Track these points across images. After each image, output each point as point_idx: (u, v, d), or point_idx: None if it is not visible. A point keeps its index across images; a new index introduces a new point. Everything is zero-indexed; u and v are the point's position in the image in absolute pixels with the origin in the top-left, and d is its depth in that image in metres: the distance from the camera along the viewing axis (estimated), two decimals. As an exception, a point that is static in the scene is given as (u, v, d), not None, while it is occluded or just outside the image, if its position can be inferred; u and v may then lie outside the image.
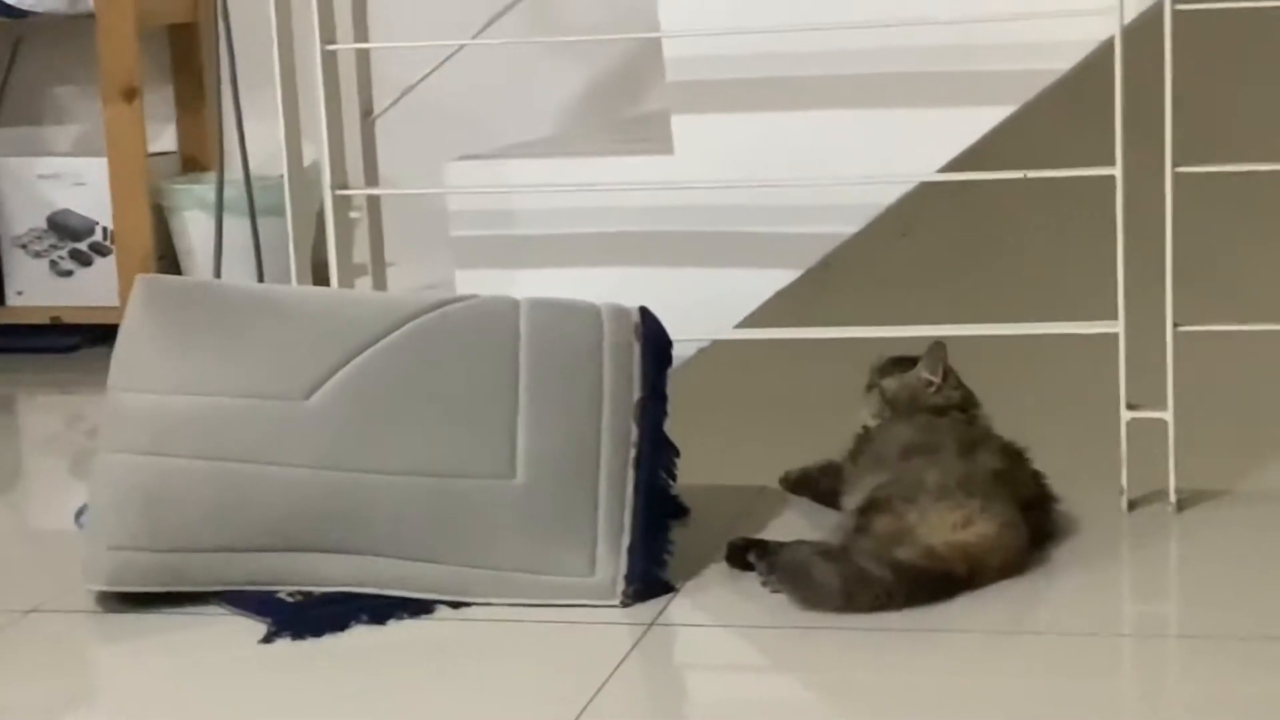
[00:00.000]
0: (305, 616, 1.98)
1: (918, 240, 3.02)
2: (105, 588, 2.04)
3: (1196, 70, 2.21)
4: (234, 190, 3.34)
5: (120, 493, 2.04)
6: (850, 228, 2.39)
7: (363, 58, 2.61)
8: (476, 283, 2.42)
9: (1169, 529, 2.21)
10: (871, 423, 2.28)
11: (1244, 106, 3.07)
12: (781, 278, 2.41)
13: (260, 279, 3.29)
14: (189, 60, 3.85)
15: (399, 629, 1.97)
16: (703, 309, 2.36)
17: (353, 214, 2.55)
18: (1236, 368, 2.54)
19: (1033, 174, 2.27)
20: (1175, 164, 2.20)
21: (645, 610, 1.99)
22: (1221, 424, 2.47)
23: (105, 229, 3.69)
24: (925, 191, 2.36)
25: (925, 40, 2.30)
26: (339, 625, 1.96)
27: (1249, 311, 2.28)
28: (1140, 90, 2.20)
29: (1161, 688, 1.84)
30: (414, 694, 1.82)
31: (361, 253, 2.62)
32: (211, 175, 3.58)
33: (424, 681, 1.85)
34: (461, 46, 2.64)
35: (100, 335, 3.53)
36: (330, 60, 2.45)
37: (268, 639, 1.94)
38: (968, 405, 2.27)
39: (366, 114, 2.62)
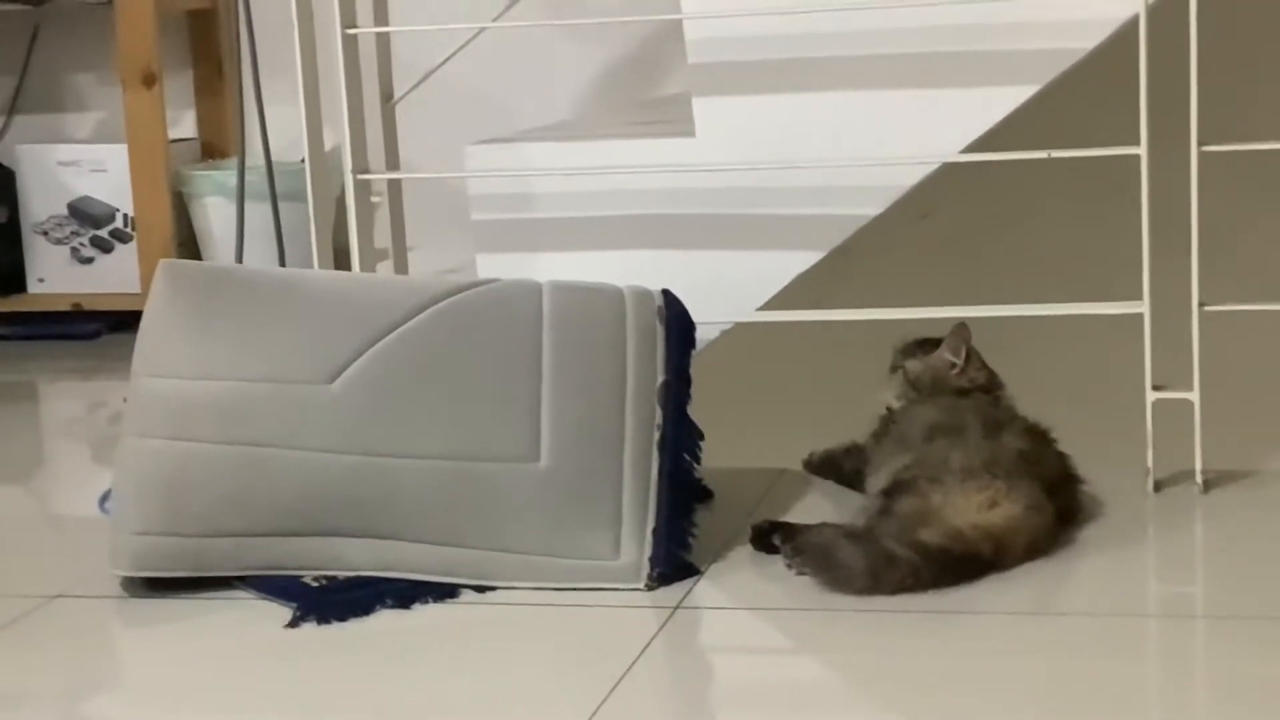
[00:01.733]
0: (330, 601, 1.97)
1: (939, 222, 3.01)
2: (130, 573, 2.05)
3: (1221, 48, 2.20)
4: (254, 176, 3.34)
5: (144, 478, 2.05)
6: (872, 209, 2.38)
7: (383, 42, 2.61)
8: (498, 266, 2.42)
9: (1195, 510, 2.21)
10: (895, 404, 2.28)
11: (1269, 84, 3.05)
12: (804, 260, 2.40)
13: (282, 264, 3.29)
14: (208, 46, 3.86)
15: (424, 613, 1.97)
16: (725, 291, 2.36)
17: (374, 198, 2.54)
18: (1263, 347, 2.53)
19: (1057, 154, 2.26)
20: (1201, 143, 2.19)
21: (670, 593, 1.99)
22: (1248, 404, 2.46)
23: (126, 215, 3.70)
24: (946, 173, 2.35)
25: (948, 20, 2.28)
26: (364, 609, 1.96)
27: (1275, 291, 2.26)
28: (1164, 69, 2.19)
29: (1188, 668, 1.83)
30: (439, 678, 1.82)
31: (383, 237, 2.62)
32: (231, 161, 3.59)
33: (449, 666, 1.85)
34: (482, 30, 2.64)
35: (121, 322, 3.54)
36: (351, 44, 2.44)
37: (293, 623, 1.94)
38: (991, 386, 2.26)
39: (387, 98, 2.62)
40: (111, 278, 3.71)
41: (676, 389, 2.08)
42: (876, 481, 2.12)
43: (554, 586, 2.00)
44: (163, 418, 2.05)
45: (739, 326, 2.41)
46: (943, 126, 2.31)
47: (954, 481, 2.01)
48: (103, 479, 2.30)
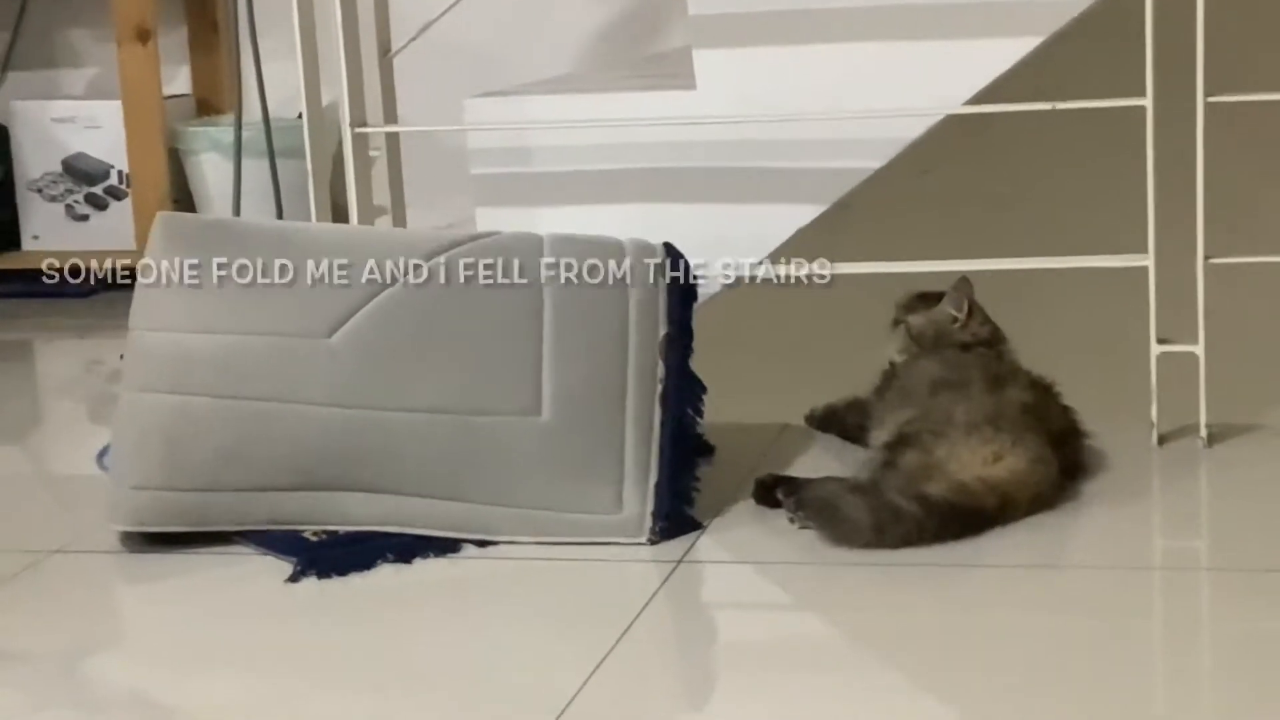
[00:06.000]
0: (331, 556, 1.97)
1: (942, 177, 3.00)
2: (129, 528, 2.04)
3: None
4: (250, 132, 3.32)
5: (142, 432, 2.03)
6: (874, 163, 2.36)
7: (381, -6, 2.58)
8: (497, 220, 2.40)
9: (1199, 463, 2.20)
10: (898, 359, 2.27)
11: (1277, 35, 3.03)
12: (805, 213, 2.38)
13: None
14: (202, 2, 3.82)
15: (425, 568, 1.96)
16: (727, 245, 2.34)
17: (372, 153, 2.52)
18: (1268, 301, 2.52)
19: (1062, 105, 2.25)
20: (1207, 94, 2.17)
21: (673, 547, 1.98)
22: (1253, 358, 2.46)
23: (120, 172, 3.67)
24: (948, 127, 2.33)
25: (951, -29, 2.27)
26: (365, 564, 1.95)
27: (1280, 244, 2.26)
28: (1171, 20, 2.17)
29: (1192, 621, 1.82)
30: (441, 632, 1.81)
31: (381, 193, 2.60)
32: (227, 118, 3.56)
33: (451, 620, 1.84)
34: (480, -18, 2.62)
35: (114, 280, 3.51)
36: (348, -4, 2.42)
37: (293, 578, 1.93)
38: (995, 341, 2.25)
39: (384, 52, 2.59)
40: (107, 235, 3.68)
41: (679, 342, 2.07)
42: (880, 435, 2.11)
43: (556, 541, 1.99)
44: (161, 372, 2.03)
45: (740, 280, 2.40)
46: (946, 79, 2.29)
47: (958, 435, 2.01)
48: (100, 436, 2.29)
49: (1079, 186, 3.08)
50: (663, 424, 2.03)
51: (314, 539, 2.01)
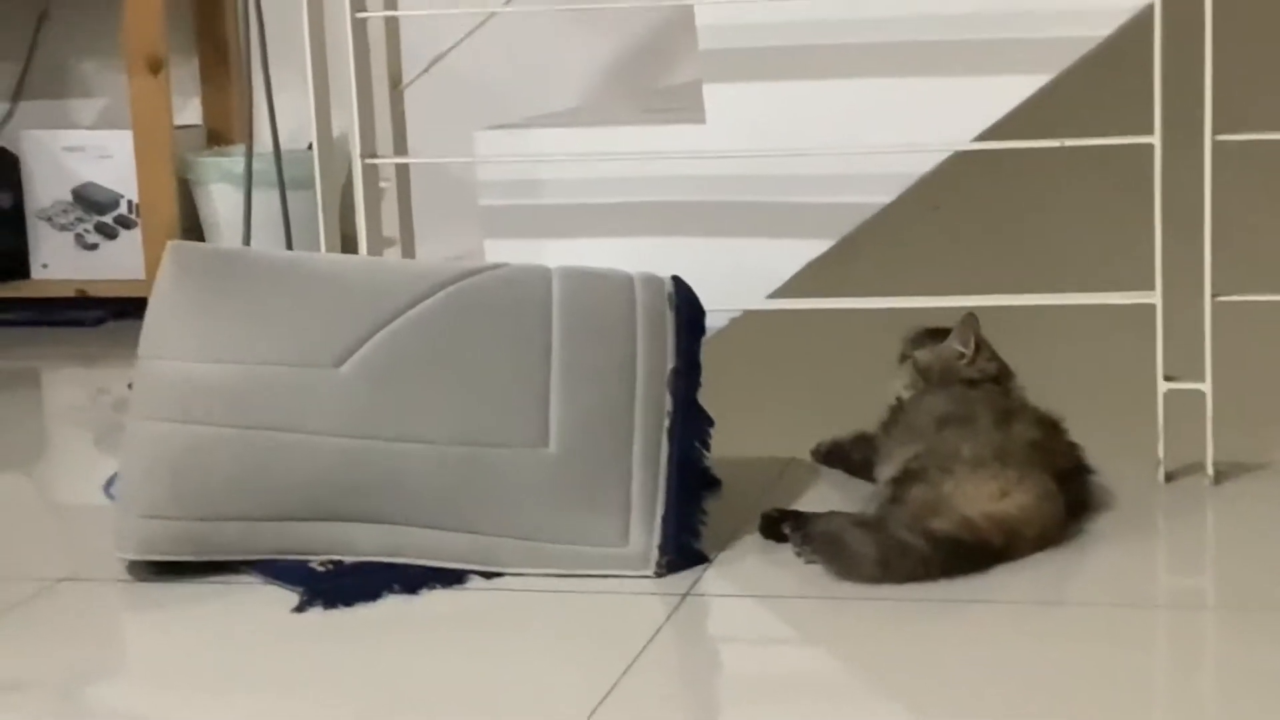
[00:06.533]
0: (337, 586, 1.97)
1: (950, 213, 3.00)
2: (136, 556, 2.04)
3: (1236, 37, 2.19)
4: (260, 163, 3.33)
5: (150, 461, 2.04)
6: (883, 198, 2.37)
7: (392, 27, 2.60)
8: (506, 252, 2.41)
9: (1206, 501, 2.20)
10: (904, 394, 2.27)
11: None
12: (814, 248, 2.39)
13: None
14: (214, 31, 3.84)
15: (431, 599, 1.96)
16: (734, 279, 2.34)
17: (381, 184, 2.53)
18: (1275, 338, 2.51)
19: (1070, 143, 2.25)
20: (1215, 132, 2.18)
21: (679, 580, 1.98)
22: (1260, 396, 2.46)
23: (130, 202, 3.69)
24: (957, 163, 2.34)
25: (960, 7, 2.27)
26: (371, 595, 1.95)
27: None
28: (1179, 58, 2.17)
29: (1198, 660, 1.82)
30: (446, 664, 1.81)
31: (390, 224, 2.61)
32: (237, 148, 3.57)
33: (456, 652, 1.84)
34: (491, 15, 2.63)
35: (125, 309, 3.52)
36: (360, 29, 2.43)
37: (299, 608, 1.93)
38: (1002, 377, 2.25)
39: (395, 84, 2.61)
40: (116, 264, 3.70)
41: (686, 376, 2.07)
42: (886, 470, 2.11)
43: (562, 573, 1.99)
44: (170, 400, 2.04)
45: (748, 314, 2.40)
46: (954, 115, 2.30)
47: (965, 471, 2.01)
48: (107, 465, 2.30)
49: (1087, 223, 3.09)
50: (670, 457, 2.03)
51: (320, 569, 2.01)
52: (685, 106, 2.51)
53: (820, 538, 1.96)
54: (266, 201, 3.31)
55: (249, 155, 3.27)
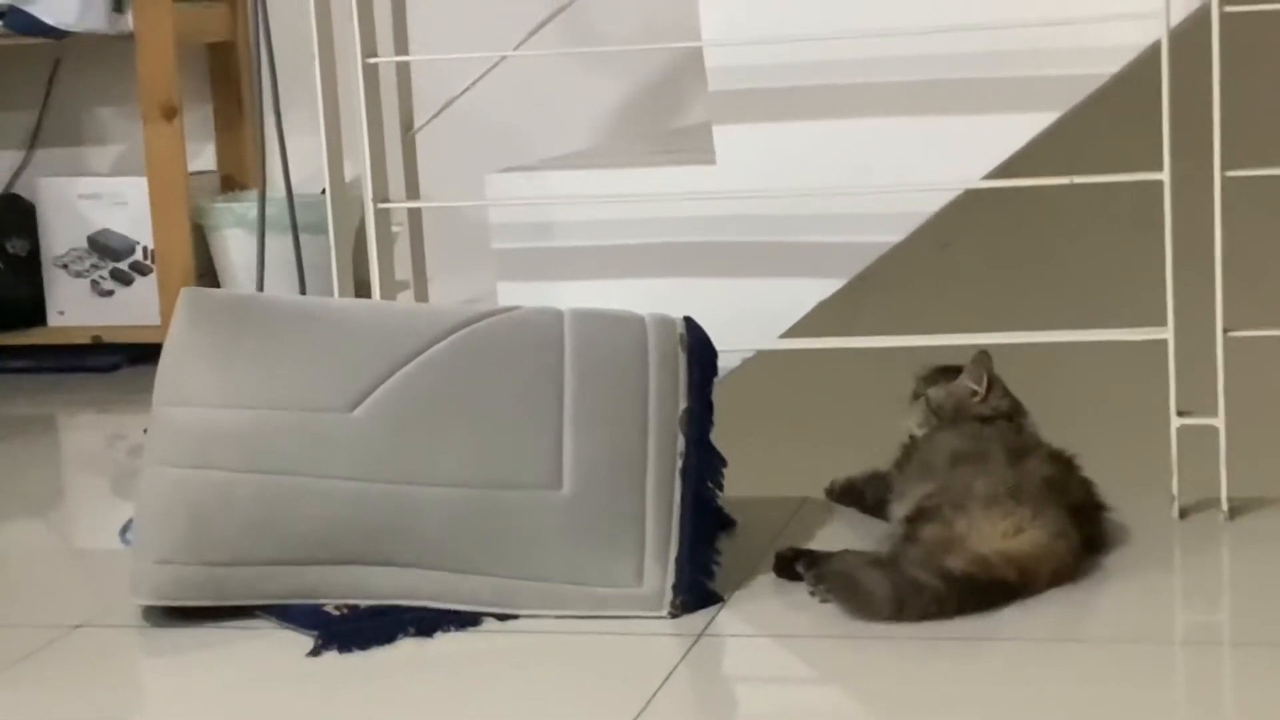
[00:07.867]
0: (352, 629, 1.97)
1: (960, 251, 3.01)
2: (152, 602, 2.04)
3: (1244, 74, 2.19)
4: (274, 208, 3.35)
5: (166, 506, 2.04)
6: (894, 237, 2.38)
7: (403, 71, 2.61)
8: (519, 295, 2.42)
9: (1221, 537, 2.19)
10: (918, 432, 2.27)
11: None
12: (825, 287, 2.40)
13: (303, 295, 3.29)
14: (227, 78, 3.87)
15: (446, 641, 1.96)
16: (747, 319, 2.35)
17: (394, 228, 2.54)
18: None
19: (1079, 179, 2.26)
20: (1224, 168, 2.18)
21: (694, 621, 1.98)
22: (1274, 430, 2.45)
23: (146, 248, 3.71)
24: (967, 201, 2.35)
25: (969, 47, 2.29)
26: (386, 638, 1.96)
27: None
28: (1187, 94, 2.18)
29: (1214, 697, 1.81)
30: (462, 707, 1.81)
31: (403, 268, 2.62)
32: (250, 194, 3.59)
33: (472, 694, 1.84)
34: (502, 59, 2.64)
35: (141, 355, 3.54)
36: (371, 74, 2.45)
37: (315, 652, 1.93)
38: (1015, 413, 2.25)
39: (407, 128, 2.62)
40: (131, 310, 3.71)
41: (699, 416, 2.07)
42: (900, 509, 2.11)
43: (577, 614, 1.99)
44: (185, 446, 2.04)
45: (761, 354, 2.41)
46: (964, 153, 2.31)
47: (978, 508, 2.00)
48: (122, 511, 2.30)
49: (1098, 260, 3.09)
50: (683, 498, 2.04)
51: (335, 612, 2.01)
52: (696, 148, 2.52)
53: (834, 577, 1.96)
54: (280, 246, 3.33)
55: (262, 201, 3.29)
